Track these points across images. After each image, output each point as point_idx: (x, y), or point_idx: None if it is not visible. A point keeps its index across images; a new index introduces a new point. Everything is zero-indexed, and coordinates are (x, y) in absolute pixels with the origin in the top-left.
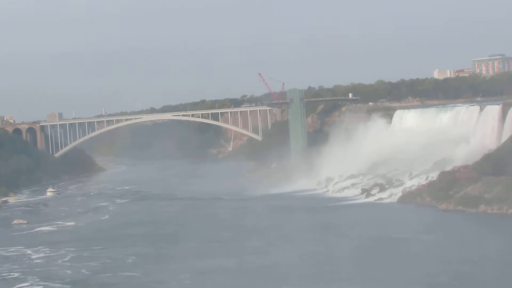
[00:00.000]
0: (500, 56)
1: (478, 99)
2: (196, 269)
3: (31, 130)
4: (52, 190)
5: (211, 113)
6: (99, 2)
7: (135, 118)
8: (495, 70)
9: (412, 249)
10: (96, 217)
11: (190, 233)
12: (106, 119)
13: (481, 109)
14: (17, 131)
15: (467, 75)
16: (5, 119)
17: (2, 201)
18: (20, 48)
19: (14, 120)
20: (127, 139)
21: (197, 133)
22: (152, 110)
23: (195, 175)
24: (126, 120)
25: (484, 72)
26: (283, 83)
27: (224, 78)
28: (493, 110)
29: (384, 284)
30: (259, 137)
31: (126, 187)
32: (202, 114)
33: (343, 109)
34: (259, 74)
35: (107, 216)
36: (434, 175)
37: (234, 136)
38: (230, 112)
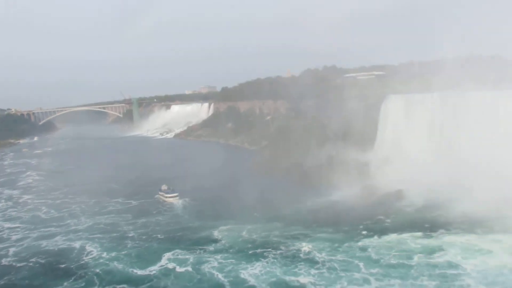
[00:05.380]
0: None
1: None
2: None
3: (28, 115)
4: (37, 137)
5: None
6: None
7: (69, 108)
8: None
9: (175, 150)
10: (58, 147)
11: (90, 151)
12: (61, 108)
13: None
14: (22, 115)
15: None
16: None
17: (18, 142)
18: None
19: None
20: (71, 117)
21: (99, 113)
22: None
23: (98, 129)
24: (69, 108)
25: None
26: (129, 95)
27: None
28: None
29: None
30: (121, 115)
31: (70, 135)
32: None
33: (153, 105)
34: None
35: (63, 146)
36: (185, 127)
37: (112, 115)
38: (111, 106)
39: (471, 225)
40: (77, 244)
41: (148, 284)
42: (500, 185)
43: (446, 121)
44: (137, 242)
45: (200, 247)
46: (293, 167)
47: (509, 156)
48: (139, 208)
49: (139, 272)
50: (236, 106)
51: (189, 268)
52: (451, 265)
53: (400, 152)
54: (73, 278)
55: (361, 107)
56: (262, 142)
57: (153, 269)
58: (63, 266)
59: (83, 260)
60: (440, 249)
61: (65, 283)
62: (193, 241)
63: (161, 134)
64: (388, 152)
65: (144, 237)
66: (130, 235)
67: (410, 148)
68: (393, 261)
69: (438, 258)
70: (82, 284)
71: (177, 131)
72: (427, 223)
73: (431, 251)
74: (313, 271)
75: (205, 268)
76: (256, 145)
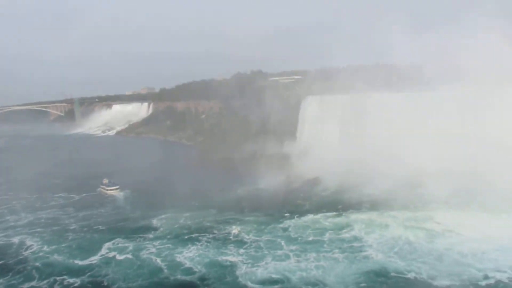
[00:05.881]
0: None
1: None
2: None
3: None
4: None
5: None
6: None
7: (7, 107)
8: None
9: (116, 146)
10: None
11: (31, 149)
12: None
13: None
14: None
15: None
16: None
17: None
18: None
19: None
20: (8, 116)
21: (40, 113)
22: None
23: (39, 128)
24: (7, 108)
25: None
26: (71, 94)
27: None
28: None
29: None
30: (62, 114)
31: (9, 134)
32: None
33: (95, 104)
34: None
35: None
36: (126, 125)
37: (54, 114)
38: (52, 105)
39: (374, 204)
40: (16, 240)
41: (89, 273)
42: (399, 170)
43: (353, 118)
44: (78, 234)
45: (140, 235)
46: (225, 160)
47: (404, 146)
48: (81, 202)
49: (80, 262)
50: (174, 106)
51: (129, 255)
52: (356, 238)
53: (317, 145)
54: (10, 274)
55: (283, 106)
56: (198, 138)
57: (94, 259)
58: (0, 262)
59: (22, 255)
60: (348, 225)
61: (1, 280)
62: (133, 230)
63: (103, 131)
64: (307, 145)
65: (85, 229)
66: (71, 227)
67: (325, 141)
68: (309, 238)
69: (346, 234)
70: (20, 280)
71: (119, 128)
72: (339, 204)
73: (340, 228)
74: (241, 251)
75: (144, 254)
76: (192, 141)
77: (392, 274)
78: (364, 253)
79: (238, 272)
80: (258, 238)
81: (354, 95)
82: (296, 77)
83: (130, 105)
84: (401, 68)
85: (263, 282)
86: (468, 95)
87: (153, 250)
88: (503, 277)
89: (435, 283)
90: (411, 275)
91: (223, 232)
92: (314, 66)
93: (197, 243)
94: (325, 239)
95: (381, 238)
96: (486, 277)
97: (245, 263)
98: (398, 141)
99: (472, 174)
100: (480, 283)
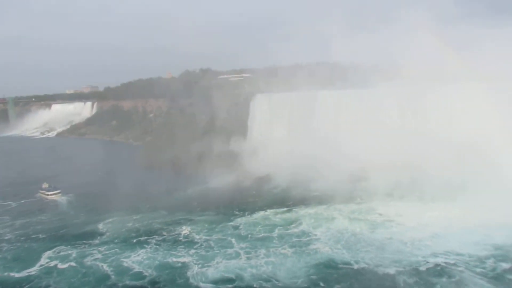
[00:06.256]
0: None
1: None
2: None
3: None
4: None
5: None
6: None
7: None
8: None
9: (57, 148)
10: None
11: None
12: None
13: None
14: None
15: None
16: None
17: None
18: None
19: None
20: None
21: None
22: None
23: None
24: None
25: None
26: (4, 94)
27: None
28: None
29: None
30: None
31: None
32: None
33: (31, 104)
34: None
35: None
36: (68, 126)
37: None
38: None
39: (322, 198)
40: None
41: (28, 285)
42: (346, 165)
43: (302, 115)
44: (14, 244)
45: (84, 241)
46: (174, 160)
47: (351, 141)
48: (18, 209)
49: (17, 275)
50: (120, 105)
51: (73, 263)
52: (304, 233)
53: (267, 142)
54: None
55: (233, 105)
56: (146, 138)
57: (33, 270)
58: None
59: None
60: (297, 220)
61: None
62: (77, 236)
63: (42, 133)
64: (257, 142)
65: (23, 238)
66: (6, 237)
67: (275, 139)
68: (259, 235)
69: (294, 229)
70: None
71: (60, 129)
72: (289, 200)
73: (289, 223)
74: (192, 251)
75: (89, 261)
76: (140, 141)
77: (340, 265)
78: (312, 247)
79: (189, 273)
80: (208, 238)
81: (302, 92)
82: (245, 75)
83: (72, 105)
84: (344, 67)
85: (215, 282)
86: (406, 92)
87: (99, 256)
88: (439, 261)
89: (380, 271)
90: (357, 265)
91: (173, 233)
92: (263, 64)
93: (146, 246)
94: (275, 235)
95: (328, 231)
96: (425, 263)
97: (196, 264)
98: (345, 136)
99: (412, 166)
100: (420, 268)
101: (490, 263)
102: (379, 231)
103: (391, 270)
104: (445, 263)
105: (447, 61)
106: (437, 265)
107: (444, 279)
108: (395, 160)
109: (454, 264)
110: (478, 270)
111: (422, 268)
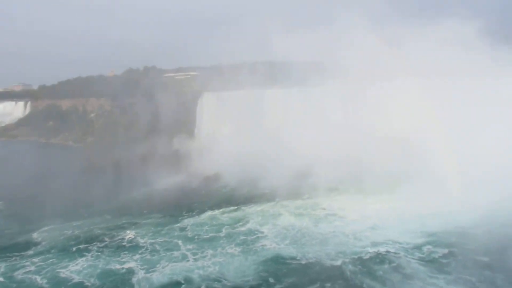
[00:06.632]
0: None
1: None
2: None
3: None
4: None
5: None
6: None
7: None
8: None
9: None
10: None
11: None
12: None
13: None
14: None
15: None
16: None
17: None
18: None
19: None
20: None
21: None
22: None
23: None
24: None
25: None
26: None
27: None
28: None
29: None
30: None
31: None
32: None
33: None
34: None
35: None
36: None
37: None
38: None
39: (270, 196)
40: None
41: None
42: (294, 161)
43: (250, 113)
44: None
45: (16, 253)
46: (117, 161)
47: (298, 138)
48: None
49: None
50: (57, 104)
51: (1, 279)
52: (251, 231)
53: (216, 141)
54: None
55: (180, 103)
56: (88, 139)
57: None
58: None
59: None
60: (244, 218)
61: None
62: (7, 248)
63: None
64: (206, 141)
65: None
66: None
67: (224, 137)
68: (206, 236)
69: (241, 227)
70: None
71: None
72: (238, 199)
73: (236, 222)
74: (136, 256)
75: (20, 274)
76: (81, 142)
77: (288, 260)
78: (259, 244)
79: (134, 279)
80: (153, 241)
81: (249, 91)
82: (192, 73)
83: (1, 104)
84: (287, 65)
85: (162, 286)
86: (348, 89)
87: (32, 268)
88: (380, 250)
89: (326, 263)
90: (304, 259)
91: (117, 238)
92: (210, 62)
93: (86, 253)
94: (222, 234)
95: (274, 228)
96: (366, 252)
97: (141, 269)
98: (292, 133)
99: (355, 161)
100: (363, 257)
101: (425, 249)
102: (323, 225)
103: (337, 262)
104: (386, 251)
105: (384, 59)
106: (378, 253)
107: (385, 266)
108: (339, 155)
109: (393, 252)
110: (415, 255)
111: (365, 257)
